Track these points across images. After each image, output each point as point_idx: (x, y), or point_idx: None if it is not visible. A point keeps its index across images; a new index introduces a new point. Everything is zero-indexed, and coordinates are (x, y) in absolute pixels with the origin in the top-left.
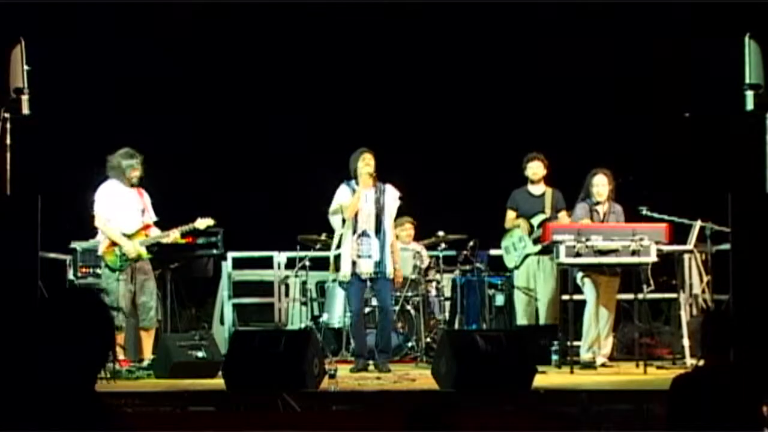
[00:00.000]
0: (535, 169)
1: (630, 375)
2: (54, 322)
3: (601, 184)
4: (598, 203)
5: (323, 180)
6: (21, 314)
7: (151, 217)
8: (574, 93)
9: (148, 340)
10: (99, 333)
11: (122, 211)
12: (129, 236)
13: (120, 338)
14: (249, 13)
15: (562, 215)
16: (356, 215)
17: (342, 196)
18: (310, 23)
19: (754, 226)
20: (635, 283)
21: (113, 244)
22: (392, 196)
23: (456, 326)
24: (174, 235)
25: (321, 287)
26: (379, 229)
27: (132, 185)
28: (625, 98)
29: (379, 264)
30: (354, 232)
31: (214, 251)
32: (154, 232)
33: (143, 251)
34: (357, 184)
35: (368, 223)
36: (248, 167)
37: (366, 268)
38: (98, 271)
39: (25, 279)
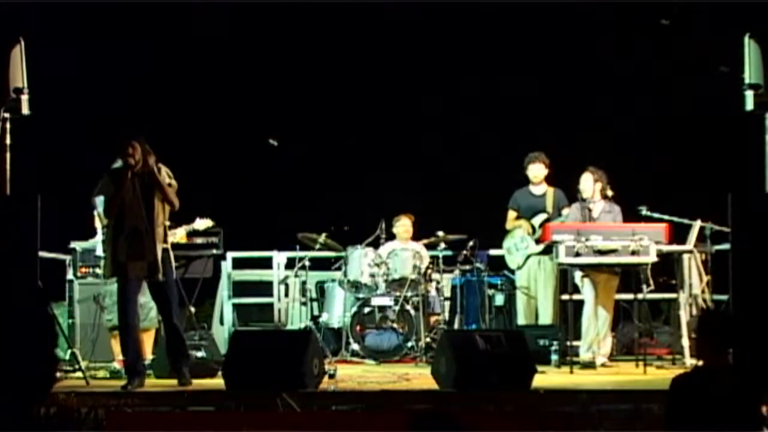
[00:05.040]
0: (536, 171)
1: (630, 375)
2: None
3: (584, 181)
4: (591, 202)
5: (323, 180)
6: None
7: None
8: (575, 93)
9: (148, 341)
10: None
11: None
12: None
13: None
14: (249, 13)
15: (566, 212)
16: (123, 208)
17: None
18: (310, 23)
19: (754, 226)
20: (635, 283)
21: None
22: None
23: (456, 326)
24: (180, 234)
25: (321, 287)
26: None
27: None
28: (626, 98)
29: (152, 266)
30: (121, 230)
31: (214, 251)
32: None
33: None
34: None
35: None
36: (248, 167)
37: (136, 271)
38: (98, 271)
39: (25, 279)
